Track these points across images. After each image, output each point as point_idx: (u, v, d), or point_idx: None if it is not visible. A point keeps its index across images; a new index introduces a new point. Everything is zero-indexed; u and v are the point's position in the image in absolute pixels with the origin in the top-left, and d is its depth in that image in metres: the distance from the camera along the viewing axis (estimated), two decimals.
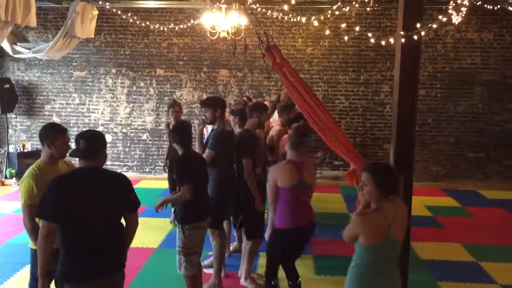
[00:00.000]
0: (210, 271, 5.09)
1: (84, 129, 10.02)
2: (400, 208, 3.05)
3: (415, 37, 3.39)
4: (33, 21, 6.09)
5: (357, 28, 4.89)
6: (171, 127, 6.36)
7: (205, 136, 5.50)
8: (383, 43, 3.93)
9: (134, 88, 9.99)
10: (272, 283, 4.38)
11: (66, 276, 3.04)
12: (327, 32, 4.02)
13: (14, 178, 9.15)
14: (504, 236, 6.68)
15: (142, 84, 9.97)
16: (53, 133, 3.70)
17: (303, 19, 4.60)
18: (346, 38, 5.24)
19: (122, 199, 3.22)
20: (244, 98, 8.21)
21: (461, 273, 5.47)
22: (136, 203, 3.32)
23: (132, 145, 10.15)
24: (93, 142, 3.18)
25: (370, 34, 3.73)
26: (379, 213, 2.94)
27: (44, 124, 4.02)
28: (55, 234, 3.02)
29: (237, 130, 5.60)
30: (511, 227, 7.17)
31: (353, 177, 3.52)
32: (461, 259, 5.88)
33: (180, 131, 4.37)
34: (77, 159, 3.19)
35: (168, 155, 6.97)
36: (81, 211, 3.01)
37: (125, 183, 3.28)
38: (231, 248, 5.85)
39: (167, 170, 6.97)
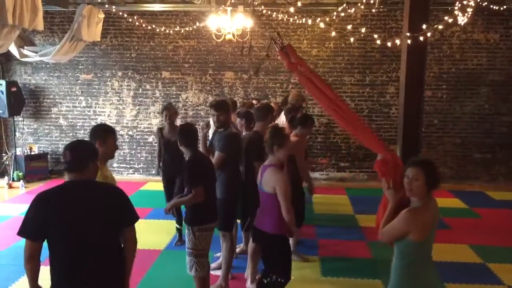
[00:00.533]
0: (218, 273, 5.10)
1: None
2: (436, 201, 3.09)
3: (421, 38, 3.39)
4: (40, 25, 6.13)
5: (363, 30, 4.90)
6: (165, 131, 6.36)
7: (208, 138, 5.51)
8: (389, 44, 3.93)
9: (140, 90, 10.03)
10: None
11: None
12: (333, 33, 4.02)
13: (21, 180, 9.21)
14: None
15: (148, 86, 10.01)
16: (104, 132, 3.66)
17: (309, 21, 4.59)
18: (352, 40, 5.23)
19: (117, 213, 2.85)
20: (254, 101, 8.20)
21: (468, 274, 5.44)
22: (134, 217, 2.96)
23: (138, 148, 10.18)
24: (79, 153, 2.86)
25: (376, 36, 3.73)
26: (428, 209, 2.98)
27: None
28: (38, 255, 2.83)
29: (243, 132, 5.62)
30: None
31: (381, 167, 3.44)
32: (469, 261, 5.85)
33: (185, 134, 4.34)
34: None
35: (159, 159, 6.50)
36: (68, 230, 2.73)
37: (119, 196, 2.91)
38: (237, 249, 5.86)
39: (160, 173, 6.55)
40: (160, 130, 6.51)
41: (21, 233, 2.86)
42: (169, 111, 6.38)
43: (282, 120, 6.50)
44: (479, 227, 7.14)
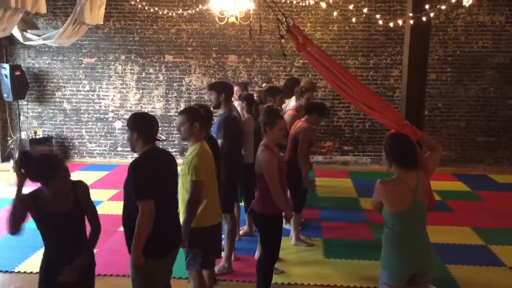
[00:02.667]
0: (221, 254, 5.15)
1: (95, 116, 10.13)
2: (421, 174, 3.16)
3: (424, 19, 3.37)
4: (43, 8, 6.13)
5: (365, 10, 4.86)
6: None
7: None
8: (391, 25, 3.90)
9: (144, 74, 10.02)
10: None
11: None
12: (335, 14, 3.98)
13: None
14: None
15: (151, 70, 10.00)
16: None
17: (311, 2, 4.55)
18: (354, 20, 5.18)
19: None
20: (265, 84, 8.15)
21: (470, 256, 5.48)
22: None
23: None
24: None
25: (378, 16, 3.71)
26: (399, 182, 3.09)
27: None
28: None
29: (244, 115, 5.62)
30: None
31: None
32: (471, 243, 5.89)
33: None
34: None
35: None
36: (165, 188, 3.41)
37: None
38: (241, 232, 5.91)
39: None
40: None
41: (144, 197, 3.19)
42: None
43: (291, 104, 6.44)
44: (482, 210, 7.16)
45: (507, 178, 8.95)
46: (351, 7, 4.71)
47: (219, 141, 4.89)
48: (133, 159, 3.37)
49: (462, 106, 9.62)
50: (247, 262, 5.22)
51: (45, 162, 3.12)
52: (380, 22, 3.79)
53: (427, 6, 3.32)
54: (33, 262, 5.18)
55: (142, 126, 3.39)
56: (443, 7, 3.63)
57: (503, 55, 9.44)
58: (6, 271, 5.05)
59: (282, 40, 4.81)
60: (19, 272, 5.04)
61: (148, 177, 3.24)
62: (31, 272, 4.97)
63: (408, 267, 3.11)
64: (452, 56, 9.51)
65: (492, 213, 6.99)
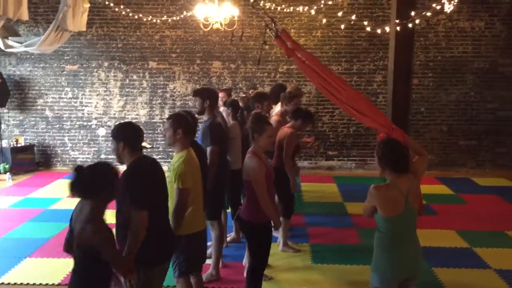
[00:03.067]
0: (209, 261, 5.12)
1: (78, 123, 10.02)
2: (412, 178, 3.20)
3: (410, 25, 3.42)
4: (24, 15, 6.07)
5: (353, 17, 4.92)
6: None
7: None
8: (379, 31, 3.95)
9: (127, 81, 9.95)
10: None
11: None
12: (324, 21, 4.01)
13: (8, 173, 9.11)
14: (498, 222, 6.75)
15: (135, 77, 9.93)
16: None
17: (300, 9, 4.58)
18: (342, 26, 5.23)
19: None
20: (252, 90, 8.13)
21: (455, 259, 5.54)
22: None
23: None
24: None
25: (366, 23, 3.75)
26: (392, 187, 3.12)
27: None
28: None
29: (230, 122, 5.62)
30: (504, 213, 7.24)
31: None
32: (455, 245, 5.95)
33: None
34: None
35: None
36: (159, 196, 3.44)
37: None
38: (228, 238, 5.89)
39: None
40: None
41: (139, 207, 3.15)
42: None
43: (276, 110, 6.44)
44: (466, 213, 7.25)
45: (489, 181, 9.09)
46: (340, 14, 4.74)
47: (208, 149, 4.87)
48: (123, 170, 3.32)
49: (444, 110, 9.76)
50: (235, 269, 5.20)
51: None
52: (368, 29, 3.82)
53: (412, 13, 3.37)
54: (18, 273, 5.09)
55: (128, 135, 3.36)
56: (429, 13, 3.68)
57: (483, 60, 9.61)
58: None
59: (267, 46, 4.89)
60: (2, 283, 4.94)
61: (141, 187, 3.21)
62: (14, 283, 4.88)
63: (401, 272, 3.14)
64: (433, 61, 9.65)
65: (476, 216, 7.08)
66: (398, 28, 3.44)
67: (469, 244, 5.98)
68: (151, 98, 9.94)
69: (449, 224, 6.66)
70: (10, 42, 7.86)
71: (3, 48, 7.95)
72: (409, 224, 3.20)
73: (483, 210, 7.36)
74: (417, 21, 3.44)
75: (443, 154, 9.83)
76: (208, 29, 7.28)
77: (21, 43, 7.90)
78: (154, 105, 9.97)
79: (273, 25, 3.75)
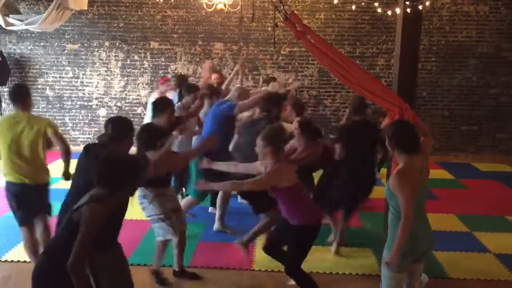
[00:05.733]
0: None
1: (78, 103, 9.98)
2: (423, 157, 3.21)
3: (420, 7, 3.39)
4: None
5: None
6: None
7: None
8: (389, 12, 3.91)
9: (128, 61, 9.90)
10: None
11: None
12: (336, 1, 3.96)
13: None
14: (498, 207, 6.79)
15: (136, 57, 9.87)
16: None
17: None
18: (353, 7, 5.10)
19: None
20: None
21: (455, 242, 5.58)
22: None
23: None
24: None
25: (376, 4, 3.71)
26: (411, 166, 3.10)
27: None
28: None
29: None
30: (504, 198, 7.29)
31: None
32: (456, 229, 5.99)
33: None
34: None
35: None
36: None
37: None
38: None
39: None
40: None
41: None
42: None
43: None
44: (466, 197, 7.29)
45: (489, 166, 9.12)
46: None
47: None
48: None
49: (446, 95, 9.73)
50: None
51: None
52: (379, 10, 3.78)
53: None
54: (20, 251, 5.12)
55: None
56: None
57: (487, 45, 9.56)
58: None
59: (276, 28, 4.80)
60: (6, 261, 4.97)
61: None
62: (18, 261, 4.91)
63: (419, 246, 3.20)
64: (436, 46, 9.60)
65: (476, 200, 7.12)
66: (408, 10, 3.40)
67: (469, 228, 6.02)
68: (152, 78, 9.88)
69: (449, 209, 6.69)
70: (11, 20, 7.77)
71: (3, 26, 7.87)
72: (423, 201, 3.24)
73: (484, 195, 7.40)
74: (427, 3, 3.40)
75: (444, 139, 9.83)
76: (212, 9, 7.21)
77: (22, 21, 7.81)
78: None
79: (282, 7, 3.70)
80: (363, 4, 6.82)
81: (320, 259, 5.05)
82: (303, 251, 3.95)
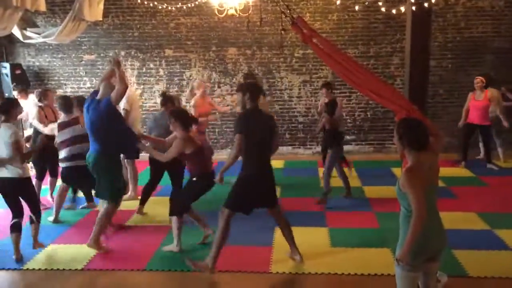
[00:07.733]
0: None
1: None
2: (432, 156, 3.19)
3: (426, 4, 3.37)
4: (42, 6, 6.13)
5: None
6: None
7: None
8: (394, 11, 3.90)
9: (144, 69, 10.02)
10: None
11: None
12: (338, 1, 3.98)
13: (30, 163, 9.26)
14: None
15: (151, 65, 10.00)
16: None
17: None
18: (357, 8, 5.16)
19: None
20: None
21: (475, 241, 5.49)
22: None
23: (144, 126, 10.21)
24: None
25: (380, 3, 3.71)
26: (420, 164, 3.08)
27: None
28: None
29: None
30: None
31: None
32: (476, 228, 5.90)
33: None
34: None
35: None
36: None
37: None
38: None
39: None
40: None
41: None
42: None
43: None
44: (486, 195, 7.18)
45: (510, 163, 8.96)
46: None
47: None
48: None
49: (464, 92, 9.59)
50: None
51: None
52: (383, 9, 3.77)
53: None
54: (42, 258, 5.22)
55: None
56: None
57: (503, 40, 9.42)
58: (15, 269, 5.07)
59: (283, 32, 4.88)
60: (27, 269, 5.06)
61: None
62: (39, 269, 5.00)
63: (431, 245, 3.16)
64: (452, 42, 9.50)
65: (497, 198, 7.00)
66: (414, 8, 3.39)
67: (489, 226, 5.92)
68: (168, 86, 10.01)
69: (469, 207, 6.59)
70: (28, 33, 7.98)
71: (22, 39, 8.08)
72: (434, 198, 3.19)
73: (505, 192, 7.27)
74: (433, 0, 3.38)
75: None
76: (223, 15, 7.27)
77: (39, 34, 8.00)
78: (171, 93, 10.00)
79: (289, 12, 3.73)
80: (366, 3, 6.75)
81: (339, 259, 5.04)
82: (196, 194, 5.15)
